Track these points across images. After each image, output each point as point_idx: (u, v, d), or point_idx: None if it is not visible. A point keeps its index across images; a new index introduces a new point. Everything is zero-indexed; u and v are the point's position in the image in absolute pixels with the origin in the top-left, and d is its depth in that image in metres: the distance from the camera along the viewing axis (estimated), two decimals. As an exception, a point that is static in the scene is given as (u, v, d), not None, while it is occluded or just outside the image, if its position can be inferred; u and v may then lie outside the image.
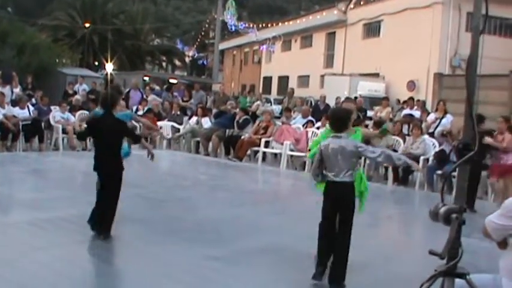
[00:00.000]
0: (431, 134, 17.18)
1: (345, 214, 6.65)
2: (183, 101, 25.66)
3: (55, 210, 7.94)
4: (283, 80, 48.05)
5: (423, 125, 17.93)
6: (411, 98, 23.60)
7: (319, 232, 6.73)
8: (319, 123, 19.75)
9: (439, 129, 17.18)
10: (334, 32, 42.29)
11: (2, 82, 22.98)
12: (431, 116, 18.61)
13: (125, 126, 8.00)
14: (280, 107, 28.01)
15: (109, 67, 46.37)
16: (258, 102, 25.89)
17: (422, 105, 23.30)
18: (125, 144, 8.44)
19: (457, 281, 3.49)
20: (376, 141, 16.29)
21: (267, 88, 50.11)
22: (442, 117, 17.79)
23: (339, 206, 6.62)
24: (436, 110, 18.93)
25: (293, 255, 8.08)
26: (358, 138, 7.16)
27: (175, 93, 27.07)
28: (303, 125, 19.66)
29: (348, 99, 7.93)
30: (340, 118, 6.73)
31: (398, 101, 25.95)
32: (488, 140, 13.00)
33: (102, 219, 7.81)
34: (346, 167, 6.47)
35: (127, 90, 26.85)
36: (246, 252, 7.86)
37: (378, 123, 17.42)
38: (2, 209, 8.50)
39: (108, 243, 8.01)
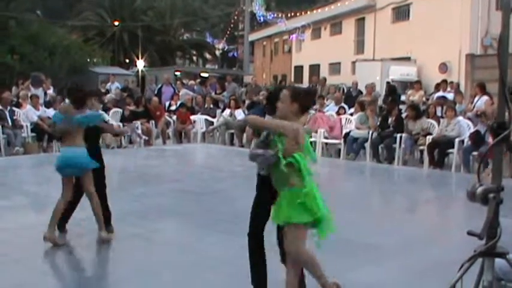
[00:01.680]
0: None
1: None
2: (215, 93, 25.76)
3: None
4: (315, 69, 47.83)
5: (457, 107, 17.83)
6: (444, 81, 23.44)
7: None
8: (352, 110, 19.74)
9: (474, 110, 17.11)
10: (364, 18, 41.97)
11: (33, 85, 23.26)
12: (475, 101, 18.40)
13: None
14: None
15: (140, 64, 46.61)
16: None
17: (456, 87, 23.12)
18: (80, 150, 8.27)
19: (497, 260, 3.48)
20: (413, 123, 16.29)
21: (298, 77, 49.93)
22: (479, 99, 17.68)
23: None
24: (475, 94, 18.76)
25: (333, 242, 8.06)
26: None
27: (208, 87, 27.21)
28: (336, 112, 19.65)
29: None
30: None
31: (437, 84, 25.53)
32: None
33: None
34: None
35: (159, 86, 27.04)
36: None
37: (413, 107, 17.32)
38: (40, 209, 8.64)
39: (148, 238, 8.10)
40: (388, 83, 26.88)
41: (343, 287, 6.14)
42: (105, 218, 8.03)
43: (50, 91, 23.97)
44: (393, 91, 22.31)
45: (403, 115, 17.75)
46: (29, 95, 20.18)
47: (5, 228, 8.29)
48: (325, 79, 28.33)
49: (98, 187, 7.99)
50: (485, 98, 17.38)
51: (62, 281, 6.78)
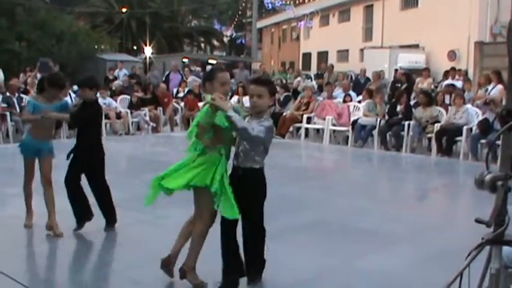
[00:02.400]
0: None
1: None
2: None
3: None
4: (323, 56, 47.76)
5: (466, 95, 17.76)
6: (453, 68, 23.39)
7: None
8: (360, 97, 19.70)
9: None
10: (372, 5, 41.90)
11: (40, 71, 23.27)
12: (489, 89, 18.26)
13: None
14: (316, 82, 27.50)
15: (148, 51, 46.55)
16: (299, 78, 25.83)
17: (464, 74, 23.05)
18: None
19: (505, 248, 3.48)
20: (423, 111, 16.27)
21: (306, 64, 49.85)
22: (493, 88, 17.57)
23: None
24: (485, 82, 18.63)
25: (341, 229, 8.11)
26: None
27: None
28: (342, 100, 19.61)
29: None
30: None
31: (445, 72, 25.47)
32: None
33: None
34: None
35: (167, 73, 27.06)
36: (293, 228, 7.91)
37: (425, 94, 17.25)
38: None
39: (156, 224, 8.13)
40: (396, 70, 26.82)
41: (351, 274, 6.16)
42: (110, 214, 8.08)
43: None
44: (408, 78, 22.13)
45: (412, 102, 17.74)
46: (37, 81, 20.21)
47: (14, 215, 8.32)
48: (332, 66, 28.30)
49: (98, 181, 8.09)
50: (500, 86, 17.22)
51: (69, 267, 6.79)
